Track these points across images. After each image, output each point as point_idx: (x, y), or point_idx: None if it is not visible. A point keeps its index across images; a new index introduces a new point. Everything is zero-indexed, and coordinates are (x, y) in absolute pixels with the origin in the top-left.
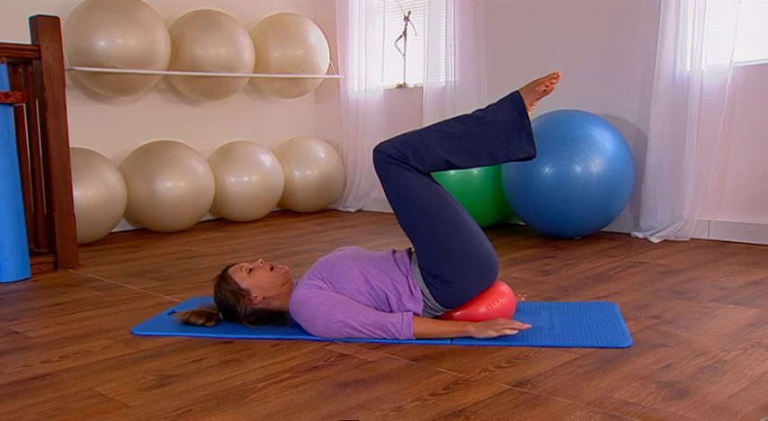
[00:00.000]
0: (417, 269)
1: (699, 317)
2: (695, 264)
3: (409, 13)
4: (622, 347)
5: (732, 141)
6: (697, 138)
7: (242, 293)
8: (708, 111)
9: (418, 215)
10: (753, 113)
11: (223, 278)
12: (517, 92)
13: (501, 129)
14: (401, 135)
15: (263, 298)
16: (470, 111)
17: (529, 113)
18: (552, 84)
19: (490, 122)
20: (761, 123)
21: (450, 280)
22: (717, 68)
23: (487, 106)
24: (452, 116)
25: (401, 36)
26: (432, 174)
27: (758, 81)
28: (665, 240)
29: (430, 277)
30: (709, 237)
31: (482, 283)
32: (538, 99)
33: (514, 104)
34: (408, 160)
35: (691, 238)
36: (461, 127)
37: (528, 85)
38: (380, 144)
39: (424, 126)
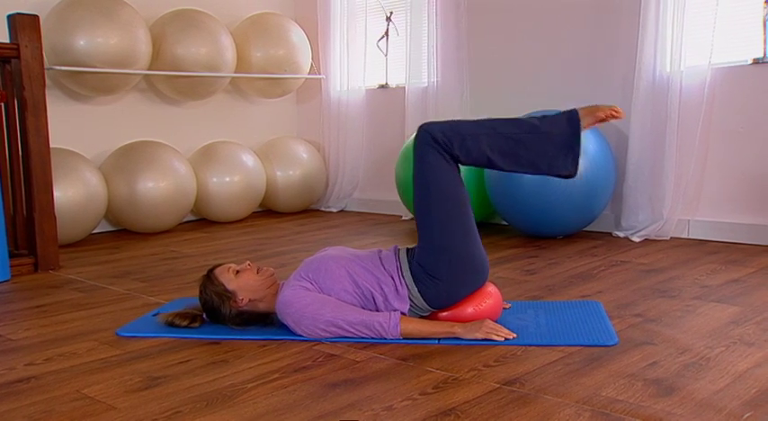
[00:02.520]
0: (408, 266)
1: (682, 314)
2: (676, 263)
3: (391, 13)
4: (608, 345)
5: (710, 141)
6: (677, 139)
7: (228, 295)
8: (687, 112)
9: (436, 204)
10: (730, 114)
11: (209, 278)
12: (576, 110)
13: (551, 143)
14: (452, 121)
15: (250, 300)
16: (525, 116)
17: (582, 134)
18: (613, 115)
19: (543, 134)
20: (738, 124)
21: (441, 277)
22: (695, 69)
23: (543, 116)
24: (504, 117)
25: (383, 36)
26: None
27: (735, 82)
28: (645, 239)
29: (422, 273)
30: (689, 236)
31: (471, 287)
32: (594, 124)
33: (570, 122)
34: (452, 148)
35: (671, 237)
36: (514, 130)
37: (588, 107)
38: (429, 124)
39: (476, 119)
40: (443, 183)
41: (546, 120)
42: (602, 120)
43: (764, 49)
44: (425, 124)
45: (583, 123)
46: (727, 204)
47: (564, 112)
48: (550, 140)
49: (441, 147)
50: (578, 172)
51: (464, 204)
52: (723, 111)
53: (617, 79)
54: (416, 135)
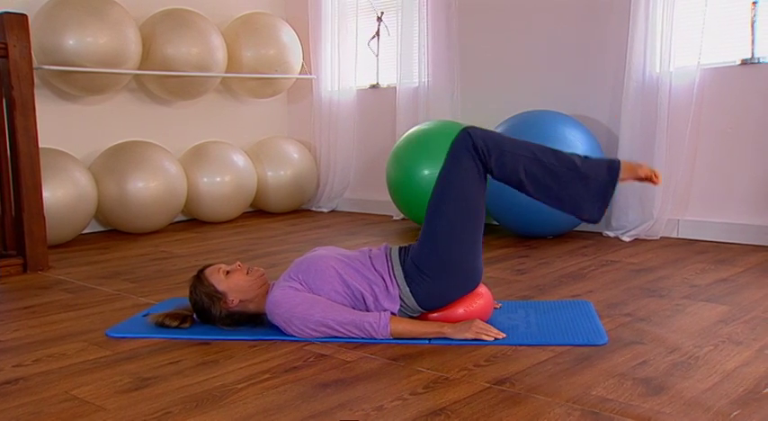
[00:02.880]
0: (399, 266)
1: (671, 314)
2: (666, 263)
3: (382, 13)
4: (598, 345)
5: (699, 141)
6: (666, 139)
7: (218, 296)
8: (676, 112)
9: (452, 207)
10: (719, 114)
11: (199, 279)
12: (619, 161)
13: (585, 186)
14: (495, 132)
15: (240, 301)
16: (569, 152)
17: (617, 186)
18: (652, 179)
19: (581, 175)
20: (727, 124)
21: (435, 278)
22: (685, 70)
23: (585, 156)
24: (546, 145)
25: (374, 36)
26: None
27: (724, 83)
28: (635, 239)
29: (416, 272)
30: (679, 236)
31: (459, 292)
32: (630, 180)
33: (610, 172)
34: (489, 160)
35: (661, 237)
36: (554, 162)
37: (632, 162)
38: (473, 129)
39: (520, 139)
40: (467, 191)
41: (587, 162)
42: (641, 180)
43: (752, 49)
44: (469, 127)
45: (622, 175)
46: (715, 204)
47: (606, 160)
48: (586, 183)
49: (478, 155)
50: (600, 219)
51: (479, 218)
52: (712, 112)
53: (607, 79)
54: (458, 136)
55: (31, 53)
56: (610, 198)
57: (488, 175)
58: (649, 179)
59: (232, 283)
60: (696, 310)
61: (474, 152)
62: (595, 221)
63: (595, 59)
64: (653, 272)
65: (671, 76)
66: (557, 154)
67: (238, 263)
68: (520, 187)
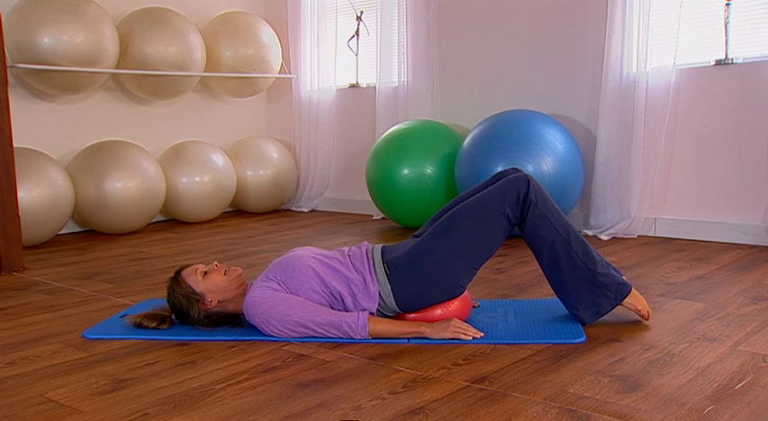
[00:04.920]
0: (381, 264)
1: None
2: (643, 261)
3: (362, 12)
4: (576, 343)
5: (676, 141)
6: (644, 138)
7: (196, 298)
8: (653, 112)
9: (469, 229)
10: (695, 114)
11: (176, 281)
12: (631, 287)
13: (590, 292)
14: (549, 197)
15: (219, 302)
16: (596, 253)
17: (615, 307)
18: (645, 315)
19: (594, 281)
20: (702, 123)
21: (421, 280)
22: (661, 70)
23: (608, 264)
24: (583, 240)
25: (353, 36)
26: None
27: (699, 83)
28: (613, 237)
29: (405, 269)
30: (656, 234)
31: (439, 298)
32: (629, 309)
33: (617, 294)
34: (528, 215)
35: (638, 235)
36: (579, 254)
37: (641, 297)
38: (533, 180)
39: (564, 216)
40: (492, 225)
41: (607, 271)
42: (637, 313)
43: (726, 50)
44: (530, 176)
45: (627, 300)
46: (692, 202)
47: (622, 281)
48: (594, 289)
49: (523, 204)
50: (587, 323)
51: (487, 252)
52: (688, 111)
53: (585, 79)
54: (518, 175)
55: (5, 51)
56: (604, 314)
57: (515, 225)
58: (643, 317)
59: (210, 284)
60: (672, 308)
61: (522, 199)
62: (583, 324)
63: (574, 59)
64: (630, 270)
65: (647, 75)
66: (586, 248)
67: (216, 263)
68: (537, 254)
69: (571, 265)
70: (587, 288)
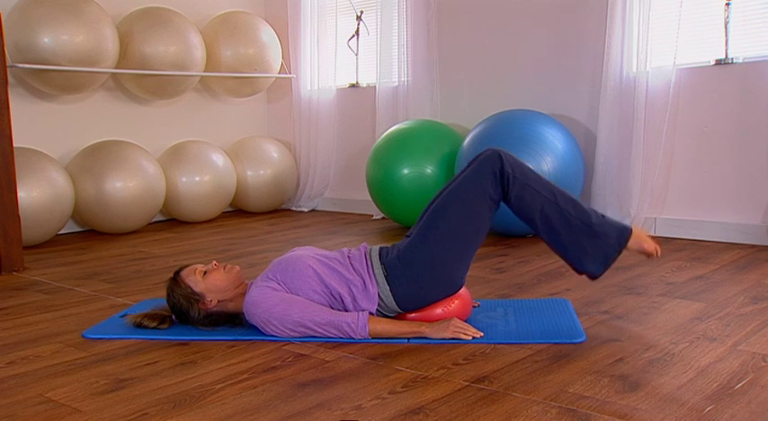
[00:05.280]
0: (379, 265)
1: (648, 311)
2: (643, 261)
3: (362, 12)
4: (576, 342)
5: (676, 141)
6: (644, 138)
7: (195, 298)
8: (653, 112)
9: (455, 218)
10: (695, 114)
11: (175, 281)
12: (630, 229)
13: (592, 244)
14: (525, 165)
15: (218, 301)
16: (586, 206)
17: (622, 252)
18: (654, 254)
19: (592, 232)
20: (702, 123)
21: (416, 277)
22: (661, 70)
23: (602, 215)
24: (571, 196)
25: (353, 35)
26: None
27: (699, 82)
28: None
29: (401, 270)
30: (656, 234)
31: (438, 296)
32: (635, 251)
33: (619, 238)
34: (510, 187)
35: None
36: (571, 211)
37: (641, 233)
38: (504, 153)
39: (545, 178)
40: (478, 207)
41: (603, 221)
42: (643, 252)
43: (726, 50)
44: (500, 150)
45: (630, 243)
46: (692, 202)
47: (620, 225)
48: (594, 241)
49: (501, 179)
50: (599, 277)
51: (479, 237)
52: (688, 111)
53: (585, 79)
54: (487, 153)
55: (5, 51)
56: (612, 261)
57: (502, 202)
58: (653, 255)
59: (209, 284)
60: (672, 308)
61: (499, 175)
62: (594, 277)
63: (574, 59)
64: (630, 270)
65: (647, 75)
66: (575, 204)
67: (214, 262)
68: (530, 223)
69: (566, 224)
70: (588, 241)
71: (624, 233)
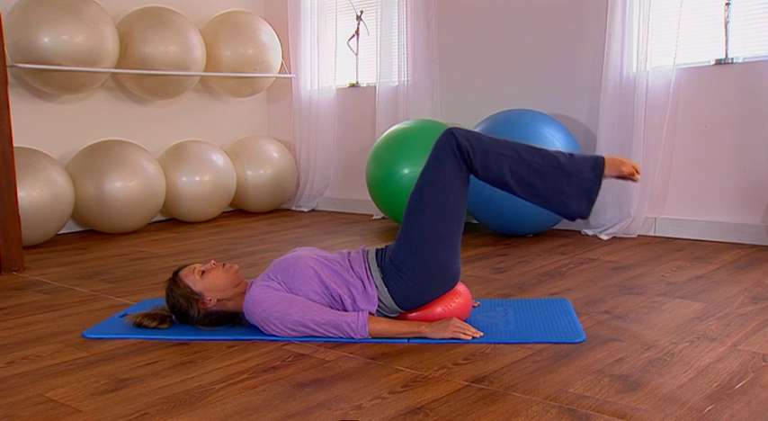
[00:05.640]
0: (377, 267)
1: (648, 311)
2: (643, 260)
3: (362, 12)
4: (576, 342)
5: (676, 141)
6: (644, 138)
7: (195, 297)
8: (653, 112)
9: (432, 208)
10: (695, 114)
11: (174, 281)
12: (602, 158)
13: (571, 184)
14: (479, 133)
15: (218, 300)
16: (551, 149)
17: (603, 183)
18: (633, 175)
19: (565, 172)
20: (702, 123)
21: (412, 278)
22: (661, 70)
23: (570, 154)
24: (530, 144)
25: (353, 35)
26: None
27: (699, 82)
28: (613, 237)
29: (393, 271)
30: (656, 234)
31: (437, 292)
32: (615, 177)
33: (594, 169)
34: (473, 160)
35: (638, 235)
36: (538, 160)
37: (615, 158)
38: (457, 129)
39: (504, 138)
40: (449, 192)
41: (571, 159)
42: (623, 177)
43: (726, 50)
44: (453, 128)
45: (606, 172)
46: (692, 202)
47: (590, 157)
48: (570, 181)
49: (462, 155)
50: (588, 215)
51: (459, 219)
52: (688, 111)
53: (585, 79)
54: (441, 136)
55: (5, 51)
56: (596, 194)
57: (472, 176)
58: (632, 175)
59: (208, 283)
60: (672, 307)
61: (458, 152)
62: (583, 217)
63: (574, 59)
64: (630, 269)
65: (647, 75)
66: (541, 152)
67: (213, 261)
68: (505, 187)
69: (538, 175)
70: (565, 183)
71: (598, 163)
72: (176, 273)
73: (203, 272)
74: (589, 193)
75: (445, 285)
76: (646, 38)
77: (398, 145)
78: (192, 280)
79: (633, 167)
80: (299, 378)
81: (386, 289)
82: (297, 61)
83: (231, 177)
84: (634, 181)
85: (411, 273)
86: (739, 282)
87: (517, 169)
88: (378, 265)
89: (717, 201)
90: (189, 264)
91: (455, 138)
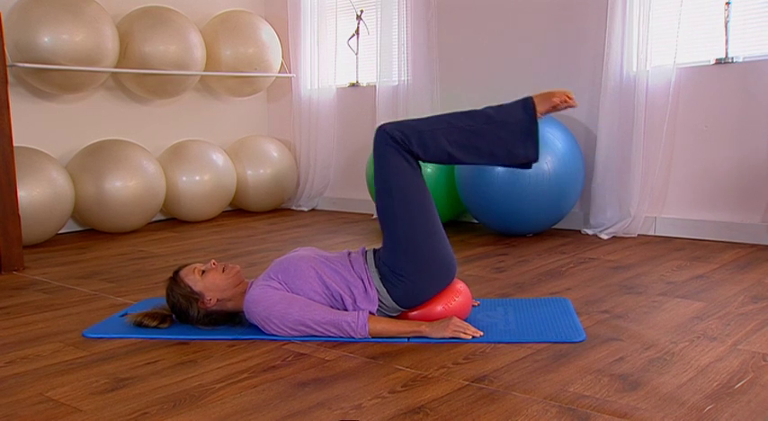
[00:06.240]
0: (375, 269)
1: (648, 310)
2: (643, 260)
3: (362, 11)
4: (576, 342)
5: (676, 140)
6: (644, 137)
7: (195, 297)
8: (653, 111)
9: (399, 207)
10: (695, 113)
11: (175, 281)
12: (530, 97)
13: (508, 131)
14: (407, 120)
15: (218, 300)
16: (480, 108)
17: (538, 120)
18: (567, 102)
19: (499, 123)
20: (702, 122)
21: (408, 277)
22: (661, 69)
23: (498, 106)
24: (459, 111)
25: (353, 35)
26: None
27: (699, 82)
28: (613, 236)
29: (389, 273)
30: (656, 233)
31: (438, 285)
32: (549, 111)
33: (526, 109)
34: (411, 146)
35: (638, 234)
36: (469, 122)
37: (543, 93)
38: (385, 124)
39: (432, 115)
40: (405, 185)
41: (501, 109)
42: (557, 108)
43: (726, 49)
44: (382, 125)
45: (538, 109)
46: (692, 202)
47: (519, 100)
48: (507, 129)
49: (399, 145)
50: (539, 159)
51: (427, 205)
52: (688, 110)
53: (585, 78)
54: (375, 137)
55: (4, 50)
56: (536, 134)
57: (419, 161)
58: (565, 103)
59: (208, 283)
60: (672, 307)
61: (395, 144)
62: (533, 160)
63: (574, 58)
64: (630, 269)
65: (648, 75)
66: (469, 114)
67: (213, 261)
68: (452, 159)
69: (475, 135)
70: (503, 133)
71: (527, 103)
72: (177, 273)
73: (204, 271)
74: (530, 134)
75: (444, 275)
76: (646, 37)
77: None
78: (193, 279)
79: (564, 94)
80: (299, 377)
81: (384, 289)
82: (297, 61)
83: (231, 177)
84: (572, 107)
85: (405, 273)
86: (739, 281)
87: (454, 138)
88: (375, 267)
89: (717, 200)
90: (189, 264)
91: (386, 133)
